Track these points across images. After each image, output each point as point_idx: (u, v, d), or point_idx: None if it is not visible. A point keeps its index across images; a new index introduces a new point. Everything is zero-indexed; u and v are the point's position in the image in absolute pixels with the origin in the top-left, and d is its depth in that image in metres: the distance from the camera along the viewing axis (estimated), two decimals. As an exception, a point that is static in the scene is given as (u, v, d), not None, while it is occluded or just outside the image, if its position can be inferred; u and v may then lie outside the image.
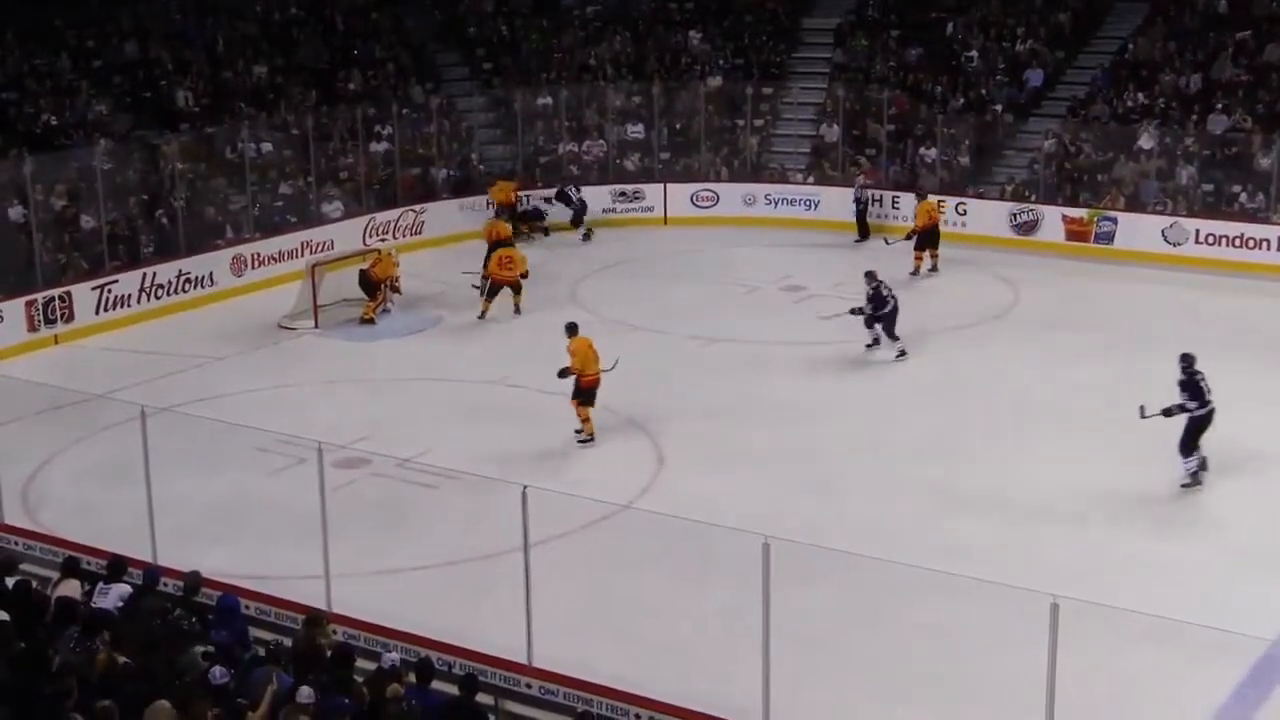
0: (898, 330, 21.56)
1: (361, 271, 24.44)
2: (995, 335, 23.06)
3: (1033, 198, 28.90)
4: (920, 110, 31.16)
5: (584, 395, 18.42)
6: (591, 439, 18.42)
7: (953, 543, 14.84)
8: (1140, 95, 29.84)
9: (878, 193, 29.69)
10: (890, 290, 21.52)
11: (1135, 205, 28.05)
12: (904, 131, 31.04)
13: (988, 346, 22.40)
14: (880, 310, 21.41)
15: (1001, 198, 29.30)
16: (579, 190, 30.15)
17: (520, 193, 29.93)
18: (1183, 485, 16.62)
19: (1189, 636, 11.89)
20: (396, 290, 24.77)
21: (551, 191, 30.25)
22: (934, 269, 26.63)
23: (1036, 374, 20.80)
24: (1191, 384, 16.52)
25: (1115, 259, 27.17)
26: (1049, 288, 25.71)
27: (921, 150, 30.61)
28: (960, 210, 29.05)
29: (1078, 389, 20.07)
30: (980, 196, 29.50)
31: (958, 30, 32.93)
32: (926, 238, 26.54)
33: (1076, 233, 28.04)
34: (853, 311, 21.68)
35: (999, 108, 30.79)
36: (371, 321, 24.06)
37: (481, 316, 24.00)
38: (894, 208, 29.35)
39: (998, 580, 11.37)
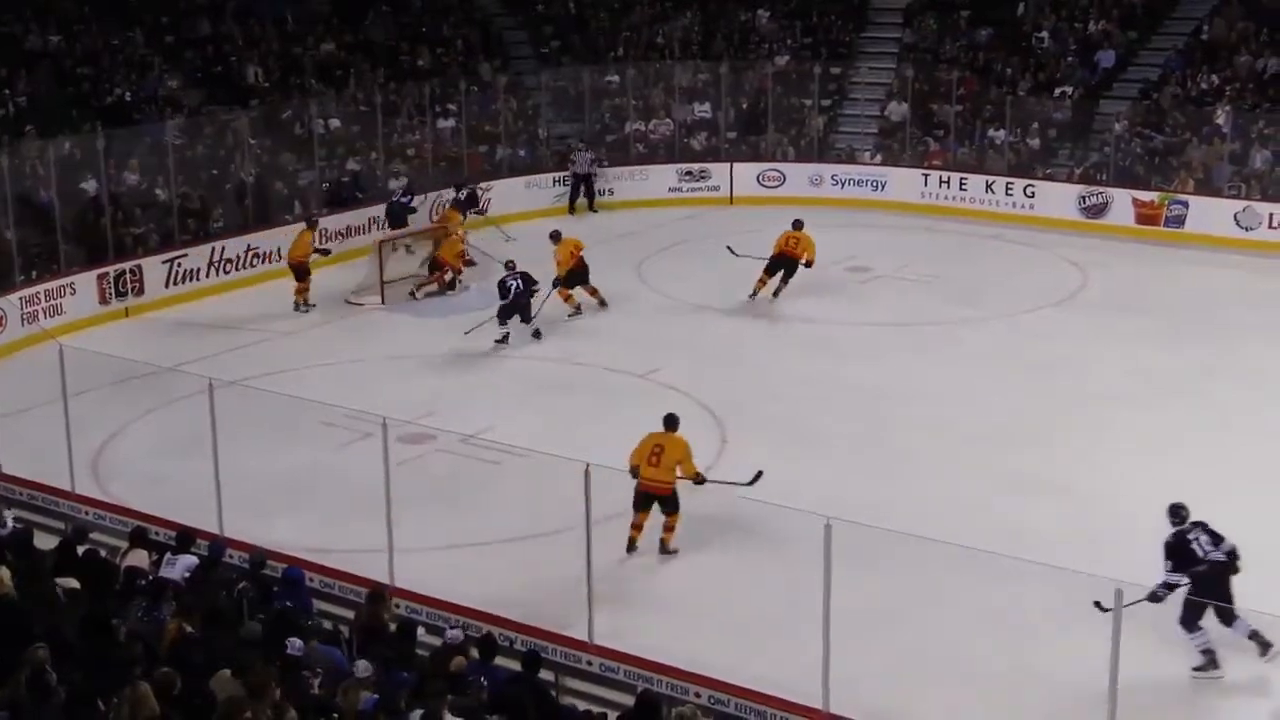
0: (513, 323, 21.52)
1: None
2: (1062, 318, 22.84)
3: (1103, 179, 28.65)
4: (990, 91, 30.92)
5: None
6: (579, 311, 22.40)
7: (1017, 527, 14.73)
8: (1214, 77, 29.44)
9: (600, 170, 30.16)
10: (519, 280, 21.63)
11: (1207, 189, 27.71)
12: (973, 112, 30.81)
13: (1054, 330, 22.18)
14: (502, 299, 21.60)
15: (1070, 180, 29.05)
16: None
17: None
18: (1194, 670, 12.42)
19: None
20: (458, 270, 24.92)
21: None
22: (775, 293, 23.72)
23: (1103, 358, 20.58)
24: (1180, 545, 12.27)
25: (1186, 243, 26.82)
26: (1118, 271, 25.41)
27: (990, 132, 30.37)
28: (1028, 192, 28.82)
29: (1145, 374, 19.88)
30: (1049, 179, 29.25)
31: (1029, 11, 32.60)
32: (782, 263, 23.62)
33: (1147, 216, 27.71)
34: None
35: (1069, 89, 30.48)
36: (414, 297, 24.25)
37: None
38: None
39: (1062, 566, 11.30)
